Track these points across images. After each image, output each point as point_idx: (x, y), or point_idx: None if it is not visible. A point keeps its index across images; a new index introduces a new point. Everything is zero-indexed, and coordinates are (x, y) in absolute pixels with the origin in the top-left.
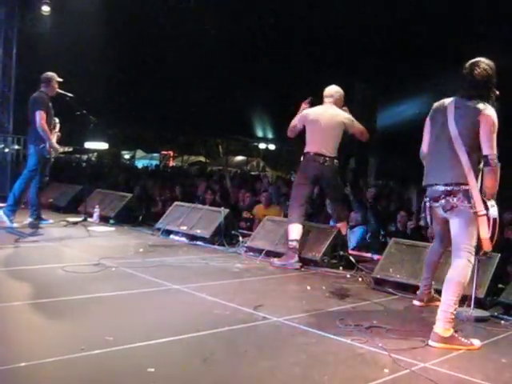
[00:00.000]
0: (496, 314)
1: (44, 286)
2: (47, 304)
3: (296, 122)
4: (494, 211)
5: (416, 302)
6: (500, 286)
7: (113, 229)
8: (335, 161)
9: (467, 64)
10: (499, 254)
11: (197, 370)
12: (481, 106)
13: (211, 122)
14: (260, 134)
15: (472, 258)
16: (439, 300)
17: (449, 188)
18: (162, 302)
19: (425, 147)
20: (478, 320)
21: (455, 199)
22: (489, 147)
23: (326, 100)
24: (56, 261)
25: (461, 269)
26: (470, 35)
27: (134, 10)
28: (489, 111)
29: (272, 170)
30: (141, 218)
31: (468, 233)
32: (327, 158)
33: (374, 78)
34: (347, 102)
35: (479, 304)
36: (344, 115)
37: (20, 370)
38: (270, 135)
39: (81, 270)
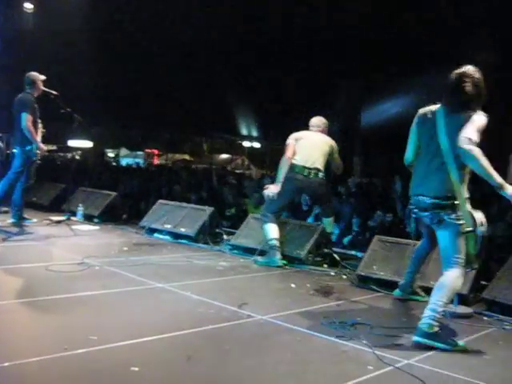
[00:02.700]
0: (479, 310)
1: (28, 285)
2: (31, 303)
3: (289, 141)
4: (482, 229)
5: (397, 293)
6: (483, 282)
7: (97, 227)
8: (323, 175)
9: (454, 75)
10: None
11: (181, 368)
12: (472, 114)
13: (196, 120)
14: (245, 132)
15: (464, 270)
16: (421, 294)
17: (437, 201)
18: (146, 300)
19: (410, 154)
20: (462, 316)
21: (443, 213)
22: (472, 131)
23: (312, 129)
24: (40, 260)
25: (454, 278)
26: (456, 35)
27: (116, 10)
28: (476, 115)
29: (257, 168)
30: (125, 216)
31: (457, 246)
32: (316, 172)
33: (359, 77)
34: (332, 100)
35: (463, 300)
36: (330, 140)
37: (3, 369)
38: (254, 133)
39: (65, 269)
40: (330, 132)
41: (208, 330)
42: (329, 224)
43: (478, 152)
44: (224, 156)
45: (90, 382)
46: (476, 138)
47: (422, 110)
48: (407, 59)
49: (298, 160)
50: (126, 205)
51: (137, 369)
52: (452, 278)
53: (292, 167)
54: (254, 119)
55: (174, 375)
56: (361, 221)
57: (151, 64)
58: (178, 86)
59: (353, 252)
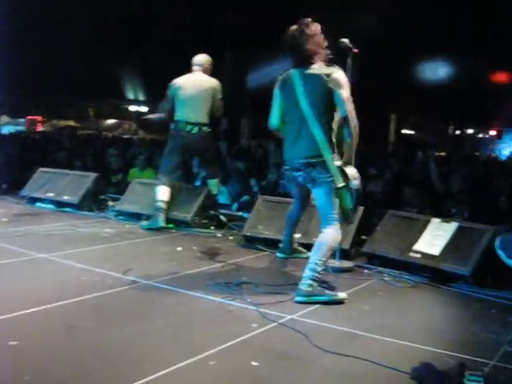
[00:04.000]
0: (360, 263)
1: None
2: None
3: (168, 92)
4: (355, 182)
5: (279, 255)
6: (363, 237)
7: None
8: (206, 128)
9: (287, 35)
10: (362, 207)
11: (61, 338)
12: (326, 71)
13: (80, 85)
14: (131, 95)
15: (340, 225)
16: (302, 252)
17: (307, 160)
18: (28, 272)
19: (275, 119)
20: (343, 270)
21: (314, 171)
22: (345, 108)
23: (195, 68)
24: None
25: (330, 235)
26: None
27: None
28: (336, 74)
29: (145, 133)
30: (5, 186)
31: (331, 203)
32: (197, 126)
33: (242, 43)
34: (220, 66)
35: (344, 255)
36: (213, 81)
37: None
38: (141, 97)
39: None
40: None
41: (91, 299)
42: (214, 185)
43: (356, 133)
44: (111, 121)
45: None
46: (352, 108)
47: (281, 76)
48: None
49: (179, 116)
50: (5, 174)
51: (16, 342)
52: (329, 236)
53: (175, 123)
54: (140, 82)
55: (54, 346)
56: (258, 181)
57: (32, 27)
58: (61, 49)
59: (240, 213)
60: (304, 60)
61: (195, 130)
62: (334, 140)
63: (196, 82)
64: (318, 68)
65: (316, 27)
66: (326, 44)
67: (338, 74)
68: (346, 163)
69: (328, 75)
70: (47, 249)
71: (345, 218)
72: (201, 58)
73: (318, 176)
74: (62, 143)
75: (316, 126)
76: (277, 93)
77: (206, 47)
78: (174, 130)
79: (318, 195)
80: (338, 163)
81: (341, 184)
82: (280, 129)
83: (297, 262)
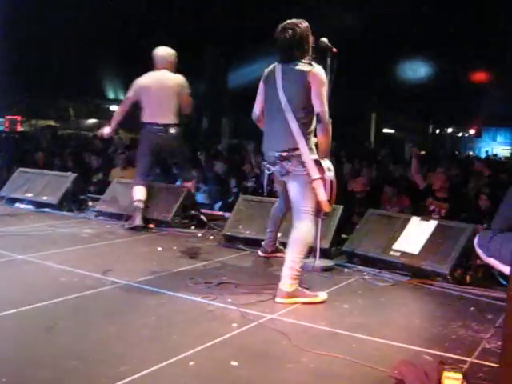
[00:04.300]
0: (340, 262)
1: None
2: None
3: (129, 93)
4: (330, 174)
5: (261, 253)
6: (344, 236)
7: None
8: (174, 128)
9: (277, 30)
10: (342, 206)
11: (39, 340)
12: (306, 67)
13: (61, 84)
14: (111, 95)
15: (313, 219)
16: (283, 252)
17: (283, 154)
18: (5, 273)
19: (258, 110)
20: (324, 269)
21: (289, 164)
22: (320, 104)
23: (158, 65)
24: None
25: (303, 230)
26: None
27: None
28: (316, 69)
29: (125, 133)
30: None
31: (305, 196)
32: (165, 127)
33: (224, 41)
34: (200, 66)
35: (324, 254)
36: (178, 78)
37: None
38: (121, 96)
39: None
40: (198, 94)
41: (71, 300)
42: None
43: (329, 130)
44: (91, 121)
45: None
46: (324, 107)
47: (266, 69)
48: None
49: (146, 117)
50: None
51: None
52: (303, 231)
53: (144, 125)
54: (120, 82)
55: (33, 348)
56: (237, 181)
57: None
58: (41, 48)
59: (220, 213)
60: (291, 56)
61: (163, 131)
62: (311, 135)
63: (161, 82)
64: (300, 64)
65: (307, 26)
66: (312, 43)
67: (318, 71)
68: (323, 157)
69: (308, 71)
70: (25, 250)
71: (318, 211)
72: (163, 54)
73: (292, 169)
74: (40, 143)
75: (293, 120)
76: (261, 85)
77: (184, 42)
78: (143, 132)
79: (292, 188)
80: (314, 156)
81: (316, 176)
82: (261, 120)
83: (278, 262)
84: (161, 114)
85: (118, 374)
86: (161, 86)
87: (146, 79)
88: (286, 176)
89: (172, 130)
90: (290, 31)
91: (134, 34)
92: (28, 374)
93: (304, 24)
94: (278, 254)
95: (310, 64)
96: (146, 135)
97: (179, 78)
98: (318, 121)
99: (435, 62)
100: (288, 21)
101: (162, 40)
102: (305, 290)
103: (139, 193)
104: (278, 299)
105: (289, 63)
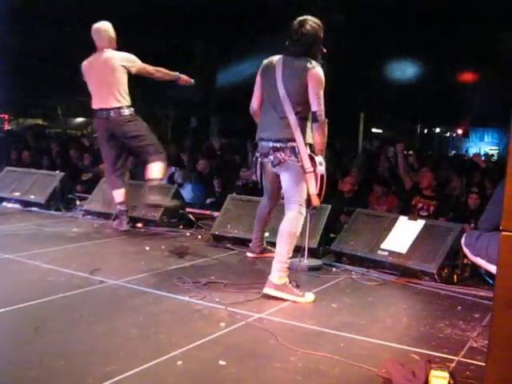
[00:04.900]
0: (328, 262)
1: None
2: None
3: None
4: (321, 168)
5: (249, 254)
6: (332, 235)
7: None
8: (125, 110)
9: (295, 21)
10: (330, 206)
11: (27, 339)
12: (308, 64)
13: (48, 82)
14: None
15: (303, 210)
16: (272, 251)
17: (277, 144)
18: None
19: (255, 103)
20: (312, 269)
21: (283, 154)
22: (317, 104)
23: (98, 44)
24: None
25: (292, 220)
26: None
27: None
28: (316, 69)
29: None
30: None
31: (297, 186)
32: (113, 111)
33: (213, 38)
34: (188, 63)
35: (312, 253)
36: (121, 55)
37: None
38: None
39: None
40: (187, 93)
41: (58, 299)
42: (158, 170)
43: (325, 129)
44: (79, 119)
45: None
46: (321, 106)
47: (265, 61)
48: (257, 21)
49: (93, 104)
50: None
51: None
52: (291, 221)
53: (94, 112)
54: None
55: (20, 348)
56: (222, 181)
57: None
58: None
59: (208, 212)
60: (298, 52)
61: (112, 116)
62: (308, 129)
63: (104, 63)
64: (302, 61)
65: (322, 28)
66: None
67: (317, 71)
68: (316, 154)
69: (307, 69)
70: (12, 249)
71: (309, 204)
72: (100, 32)
73: (287, 158)
74: (27, 142)
75: (291, 112)
76: (258, 78)
77: (173, 41)
78: (94, 122)
79: (284, 179)
80: (308, 151)
81: (309, 169)
82: (258, 114)
83: (265, 261)
84: (106, 97)
85: (106, 374)
86: (105, 67)
87: (89, 62)
88: (279, 166)
89: (123, 113)
90: (307, 27)
91: (121, 32)
92: (15, 373)
93: (321, 25)
94: (267, 255)
95: (311, 63)
96: (97, 124)
97: (122, 55)
98: (314, 120)
99: (423, 62)
100: (309, 17)
101: (151, 38)
102: (294, 289)
103: (118, 196)
104: (266, 290)
105: (292, 57)
